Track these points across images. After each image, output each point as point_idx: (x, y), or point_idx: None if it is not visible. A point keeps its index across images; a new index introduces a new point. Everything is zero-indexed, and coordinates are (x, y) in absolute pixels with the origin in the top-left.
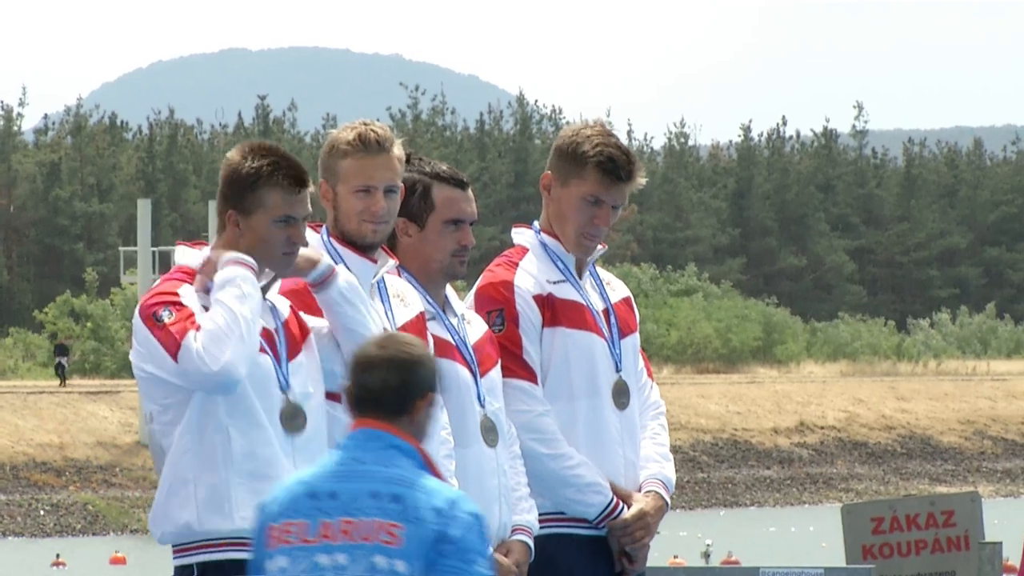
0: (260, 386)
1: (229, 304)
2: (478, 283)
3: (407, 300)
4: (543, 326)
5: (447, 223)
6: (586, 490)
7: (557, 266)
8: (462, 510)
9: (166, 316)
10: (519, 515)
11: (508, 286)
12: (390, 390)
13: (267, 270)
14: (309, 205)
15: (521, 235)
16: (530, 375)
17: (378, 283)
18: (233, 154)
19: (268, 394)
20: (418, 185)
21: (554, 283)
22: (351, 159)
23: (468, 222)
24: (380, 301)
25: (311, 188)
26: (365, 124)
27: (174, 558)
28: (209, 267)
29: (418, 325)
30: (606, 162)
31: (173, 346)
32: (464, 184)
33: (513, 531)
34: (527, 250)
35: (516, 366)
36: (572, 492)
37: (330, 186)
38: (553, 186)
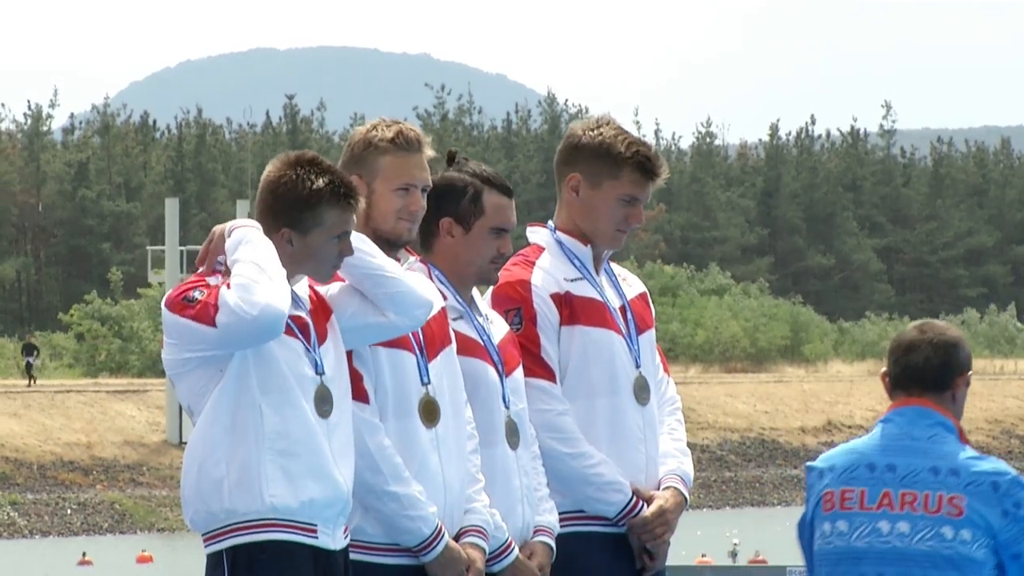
0: (294, 367)
1: (248, 258)
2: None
3: None
4: (561, 324)
5: (492, 230)
6: (606, 488)
7: (574, 264)
8: (1019, 484)
9: (198, 295)
10: (540, 515)
11: (525, 285)
12: (933, 369)
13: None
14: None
15: (536, 234)
16: (549, 374)
17: None
18: (280, 169)
19: (302, 375)
20: (469, 188)
21: (571, 281)
22: (391, 157)
23: (510, 231)
24: None
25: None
26: (396, 122)
27: (205, 547)
28: (218, 242)
29: (440, 321)
30: (644, 162)
31: (210, 312)
32: (511, 193)
33: (535, 532)
34: (543, 249)
35: (535, 365)
36: (592, 490)
37: (365, 182)
38: (582, 187)
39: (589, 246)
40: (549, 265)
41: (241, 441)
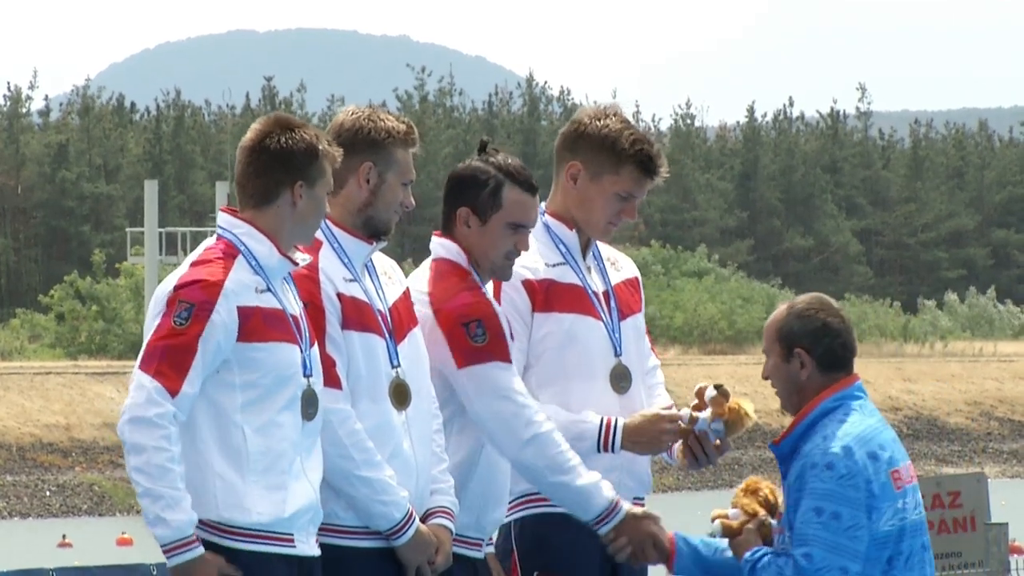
0: (288, 378)
1: (151, 477)
2: None
3: (393, 277)
4: (534, 311)
5: (509, 225)
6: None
7: (559, 249)
8: None
9: (179, 320)
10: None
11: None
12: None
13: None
14: None
15: None
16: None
17: (367, 263)
18: (278, 131)
19: (294, 383)
20: (491, 180)
21: (552, 266)
22: (402, 151)
23: (529, 228)
24: (371, 280)
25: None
26: (394, 114)
27: None
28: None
29: (406, 302)
30: (647, 162)
31: (144, 382)
32: (535, 189)
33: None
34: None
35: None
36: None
37: (378, 171)
38: (581, 177)
39: (575, 231)
40: (532, 250)
41: (228, 461)
